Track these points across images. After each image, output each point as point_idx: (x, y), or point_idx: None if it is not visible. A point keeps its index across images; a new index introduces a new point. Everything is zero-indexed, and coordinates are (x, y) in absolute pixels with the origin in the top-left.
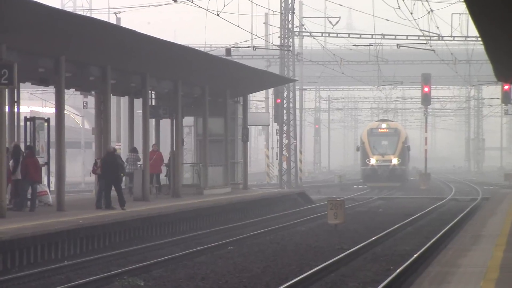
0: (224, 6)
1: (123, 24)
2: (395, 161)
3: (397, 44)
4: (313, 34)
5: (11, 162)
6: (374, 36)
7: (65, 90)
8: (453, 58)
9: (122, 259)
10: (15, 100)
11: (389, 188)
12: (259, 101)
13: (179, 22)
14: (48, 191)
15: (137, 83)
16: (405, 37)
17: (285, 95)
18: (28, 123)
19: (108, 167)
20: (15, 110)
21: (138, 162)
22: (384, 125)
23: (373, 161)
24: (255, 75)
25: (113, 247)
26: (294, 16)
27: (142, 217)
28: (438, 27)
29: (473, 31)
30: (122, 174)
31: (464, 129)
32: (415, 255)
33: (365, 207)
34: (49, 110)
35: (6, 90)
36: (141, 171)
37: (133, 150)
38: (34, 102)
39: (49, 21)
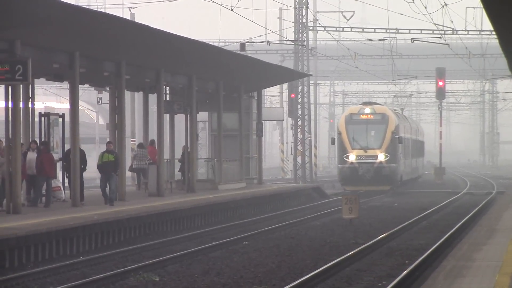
0: (238, 1)
1: (137, 19)
2: (381, 157)
3: (411, 38)
4: (327, 28)
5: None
6: (388, 31)
7: (80, 86)
8: (467, 52)
9: (137, 254)
10: (30, 96)
11: (377, 192)
12: (274, 96)
13: (194, 17)
14: (61, 187)
15: (152, 78)
16: (419, 31)
17: (299, 90)
18: (42, 119)
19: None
20: (30, 106)
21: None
22: (367, 110)
23: (352, 157)
24: (270, 70)
25: (128, 243)
26: (308, 11)
27: (157, 213)
28: (452, 21)
29: (488, 25)
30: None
31: (478, 123)
32: (430, 249)
33: (379, 201)
34: (63, 105)
35: (21, 86)
36: (156, 166)
37: (140, 145)
38: (49, 98)
39: (63, 17)
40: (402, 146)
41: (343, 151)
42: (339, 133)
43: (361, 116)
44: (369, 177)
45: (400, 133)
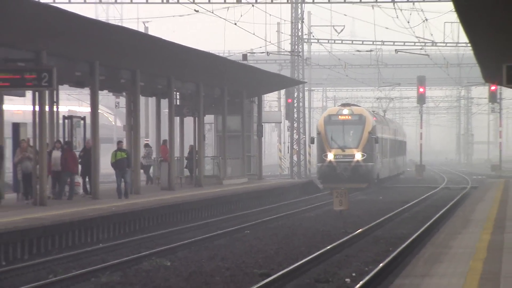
0: (241, 16)
1: (151, 32)
2: (358, 156)
3: (395, 50)
4: (320, 41)
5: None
6: (374, 43)
7: (99, 92)
8: (445, 62)
9: (150, 242)
10: (55, 100)
11: (354, 190)
12: (272, 101)
13: (201, 30)
14: (80, 183)
15: (164, 85)
16: (402, 43)
17: (295, 96)
18: (66, 121)
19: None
20: (55, 109)
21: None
22: (345, 111)
23: (331, 156)
24: (269, 78)
25: (142, 231)
26: (304, 25)
27: (168, 205)
28: (432, 34)
29: (464, 37)
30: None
31: (455, 126)
32: (411, 238)
33: (366, 195)
34: (85, 109)
35: (47, 91)
36: (167, 163)
37: (146, 145)
38: (72, 102)
39: (84, 30)
40: (379, 146)
41: (322, 150)
42: (318, 133)
43: (340, 117)
44: (347, 175)
45: (377, 134)
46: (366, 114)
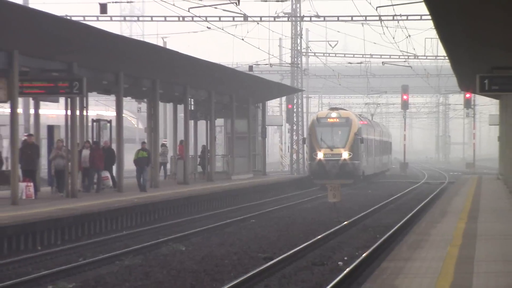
0: (247, 32)
1: (169, 46)
2: (345, 155)
3: (382, 62)
4: (316, 54)
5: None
6: (364, 56)
7: (123, 98)
8: (426, 73)
9: (167, 229)
10: (84, 106)
11: (342, 185)
12: (275, 106)
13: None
14: (109, 177)
15: (180, 92)
16: (388, 56)
17: (295, 102)
18: (94, 123)
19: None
20: (84, 113)
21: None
22: (333, 114)
23: (320, 155)
24: (272, 86)
25: (161, 220)
26: (302, 40)
27: (184, 197)
28: (414, 49)
29: (442, 51)
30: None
31: (434, 128)
32: (396, 226)
33: (356, 189)
34: (111, 113)
35: (77, 98)
36: (183, 161)
37: (162, 145)
38: (99, 107)
39: (111, 44)
40: (364, 146)
41: (312, 149)
42: (309, 134)
43: (328, 119)
44: (335, 172)
45: (363, 135)
46: (352, 117)
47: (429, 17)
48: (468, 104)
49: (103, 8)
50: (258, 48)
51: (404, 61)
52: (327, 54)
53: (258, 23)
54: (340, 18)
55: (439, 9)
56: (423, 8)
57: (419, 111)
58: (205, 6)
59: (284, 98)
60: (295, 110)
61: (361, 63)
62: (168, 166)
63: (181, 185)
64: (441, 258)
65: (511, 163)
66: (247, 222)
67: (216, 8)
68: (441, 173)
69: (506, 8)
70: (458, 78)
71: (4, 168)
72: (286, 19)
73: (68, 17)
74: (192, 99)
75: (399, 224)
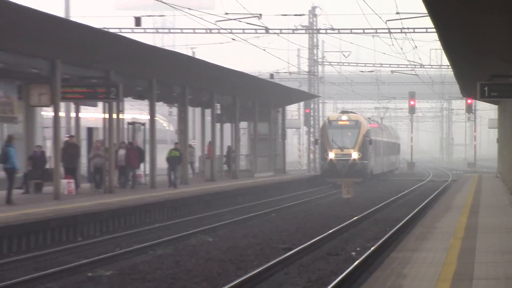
0: (269, 43)
1: (197, 56)
2: (355, 155)
3: (391, 71)
4: (331, 63)
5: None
6: (375, 65)
7: (156, 103)
8: (431, 81)
9: (196, 222)
10: (120, 109)
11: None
12: (294, 111)
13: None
14: (141, 174)
15: (207, 98)
16: (397, 66)
17: (311, 107)
18: (129, 126)
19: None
20: (121, 117)
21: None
22: (344, 117)
23: (331, 155)
24: (290, 92)
25: (190, 214)
26: (318, 51)
27: (211, 193)
28: (420, 58)
29: (446, 61)
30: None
31: (439, 131)
32: (404, 220)
33: (367, 186)
34: (144, 117)
35: (114, 103)
36: (211, 160)
37: (189, 146)
38: (134, 111)
39: (144, 54)
40: (372, 147)
41: (324, 150)
42: (321, 135)
43: (339, 122)
44: (345, 171)
45: (371, 136)
46: (361, 120)
47: (434, 30)
48: (469, 109)
49: (138, 21)
50: (279, 58)
51: (411, 70)
52: (341, 63)
53: (278, 35)
54: (353, 31)
55: (443, 23)
56: (428, 22)
57: (425, 115)
58: (230, 19)
59: (302, 103)
60: (312, 114)
61: (372, 71)
62: (196, 164)
63: (208, 182)
64: (445, 249)
65: (509, 163)
66: (269, 215)
67: (240, 21)
68: (445, 172)
69: (502, 24)
70: (460, 85)
71: (47, 166)
72: (303, 31)
73: (106, 29)
74: (218, 104)
75: (406, 218)
